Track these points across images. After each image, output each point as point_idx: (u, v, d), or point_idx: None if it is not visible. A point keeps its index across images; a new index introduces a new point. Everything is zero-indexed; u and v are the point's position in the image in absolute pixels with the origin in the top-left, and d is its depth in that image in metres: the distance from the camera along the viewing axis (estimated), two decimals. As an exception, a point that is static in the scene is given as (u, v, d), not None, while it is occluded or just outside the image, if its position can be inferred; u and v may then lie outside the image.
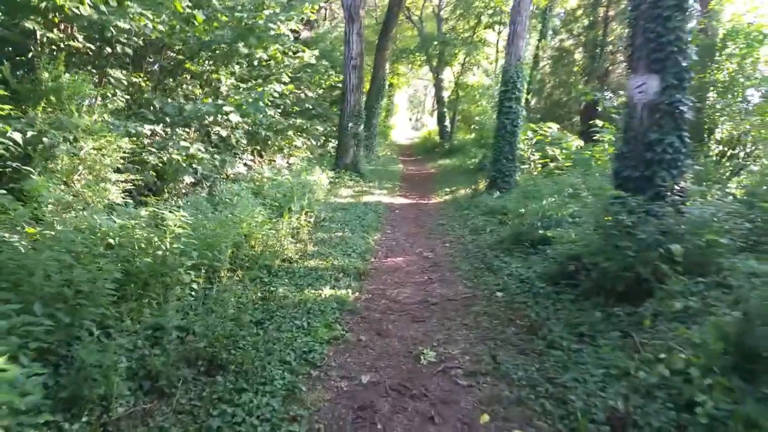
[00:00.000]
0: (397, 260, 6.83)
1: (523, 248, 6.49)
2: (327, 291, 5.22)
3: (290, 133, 13.46)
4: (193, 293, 4.64)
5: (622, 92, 16.52)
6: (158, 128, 7.32)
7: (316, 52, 15.46)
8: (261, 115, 8.57)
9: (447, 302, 5.11)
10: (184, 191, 8.52)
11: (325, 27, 27.38)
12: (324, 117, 16.20)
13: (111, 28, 7.06)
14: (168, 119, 8.17)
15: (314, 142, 16.17)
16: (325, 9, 27.04)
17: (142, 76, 9.05)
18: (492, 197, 9.99)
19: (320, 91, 17.50)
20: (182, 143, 7.41)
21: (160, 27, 7.64)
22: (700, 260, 4.16)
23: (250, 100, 8.03)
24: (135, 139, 7.03)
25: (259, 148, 11.84)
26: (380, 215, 9.79)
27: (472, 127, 27.00)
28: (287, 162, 13.43)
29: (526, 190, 9.80)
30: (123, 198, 5.96)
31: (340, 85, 15.70)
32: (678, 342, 3.32)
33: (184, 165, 8.04)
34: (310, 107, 14.60)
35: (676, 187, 4.87)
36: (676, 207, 4.64)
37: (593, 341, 3.88)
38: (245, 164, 11.70)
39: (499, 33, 24.66)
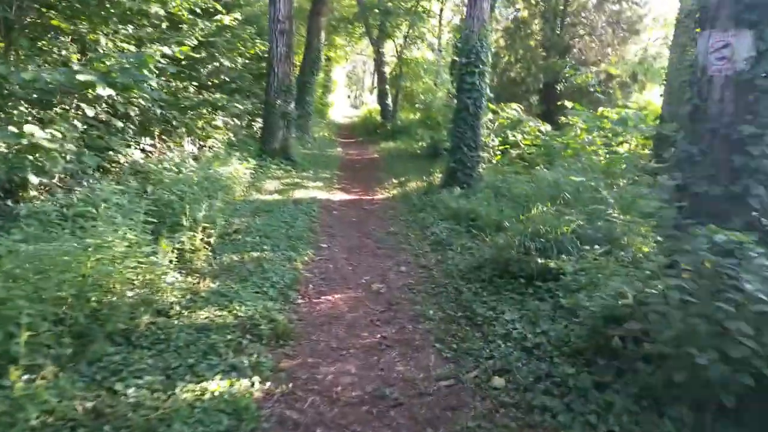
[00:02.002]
0: (336, 299, 4.76)
1: (515, 283, 4.57)
2: (216, 384, 3.10)
3: (203, 110, 10.97)
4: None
5: (587, 68, 15.14)
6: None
7: (238, 15, 12.92)
8: (148, 87, 6.16)
9: (416, 399, 3.10)
10: (38, 194, 6.13)
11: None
12: (247, 92, 13.70)
13: None
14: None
15: (237, 122, 13.70)
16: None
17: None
18: (453, 195, 8.06)
19: (244, 62, 14.94)
20: (12, 128, 4.95)
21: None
22: None
23: (127, 65, 5.62)
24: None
25: (157, 130, 9.34)
26: (314, 219, 7.65)
27: (417, 105, 25.14)
28: (200, 146, 10.96)
29: (494, 186, 7.96)
30: None
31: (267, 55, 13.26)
32: None
33: (29, 158, 5.59)
34: (227, 80, 12.08)
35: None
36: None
37: None
38: (142, 150, 9.25)
39: (443, 2, 22.72)
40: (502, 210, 6.53)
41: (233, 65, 12.95)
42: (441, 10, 24.01)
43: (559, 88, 14.64)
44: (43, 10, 7.22)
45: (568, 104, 10.73)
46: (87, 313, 3.56)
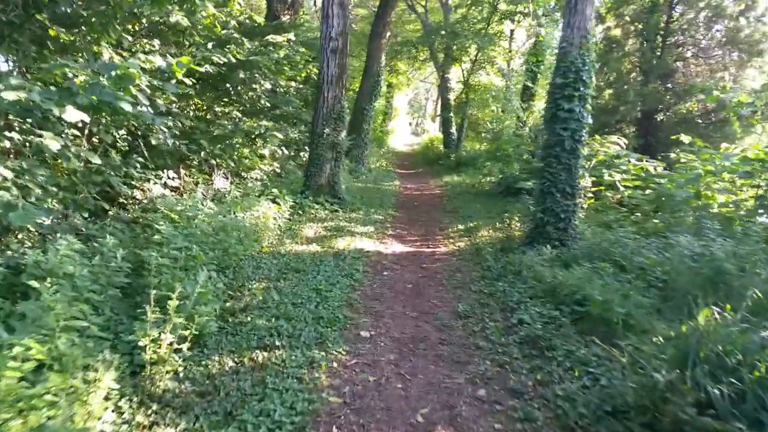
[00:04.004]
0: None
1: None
2: None
3: (239, 139, 9.47)
4: None
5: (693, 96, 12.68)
6: None
7: (291, 35, 11.52)
8: (147, 111, 4.59)
9: None
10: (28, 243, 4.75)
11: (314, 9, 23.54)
12: (294, 119, 12.20)
13: None
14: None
15: (285, 152, 12.19)
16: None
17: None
18: (543, 258, 6.01)
19: (297, 86, 13.56)
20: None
21: None
22: None
23: (105, 81, 4.06)
24: None
25: (175, 162, 7.88)
26: (357, 285, 5.80)
27: (483, 135, 23.24)
28: (234, 180, 9.45)
29: (602, 249, 5.83)
30: None
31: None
32: None
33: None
34: (269, 105, 10.58)
35: None
36: None
37: None
38: (164, 185, 7.84)
39: (518, 22, 20.75)
40: (628, 295, 4.42)
41: (281, 89, 11.52)
42: (512, 31, 22.05)
43: (660, 118, 12.26)
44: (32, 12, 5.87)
45: (685, 138, 8.45)
46: None
